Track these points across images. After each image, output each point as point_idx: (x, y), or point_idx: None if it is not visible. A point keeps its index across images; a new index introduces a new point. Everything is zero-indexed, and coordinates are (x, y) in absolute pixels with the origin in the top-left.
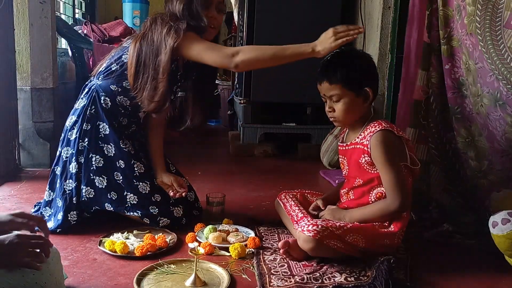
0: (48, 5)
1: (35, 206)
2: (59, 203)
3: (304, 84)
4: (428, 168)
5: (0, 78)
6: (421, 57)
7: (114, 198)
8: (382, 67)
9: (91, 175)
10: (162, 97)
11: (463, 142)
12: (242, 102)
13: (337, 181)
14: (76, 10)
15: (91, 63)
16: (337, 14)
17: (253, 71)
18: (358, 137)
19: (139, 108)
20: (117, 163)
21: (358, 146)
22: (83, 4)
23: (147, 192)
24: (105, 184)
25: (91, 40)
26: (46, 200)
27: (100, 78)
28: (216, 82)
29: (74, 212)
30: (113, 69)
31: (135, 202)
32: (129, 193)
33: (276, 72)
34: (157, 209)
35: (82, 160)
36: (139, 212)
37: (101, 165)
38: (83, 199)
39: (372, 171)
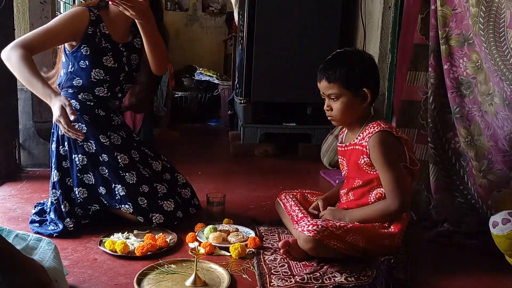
0: (49, 5)
1: (35, 206)
2: (53, 215)
3: (304, 84)
4: (428, 168)
5: (0, 78)
6: (410, 59)
7: (104, 193)
8: (382, 67)
9: (79, 174)
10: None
11: (462, 141)
12: (242, 102)
13: (337, 181)
14: None
15: None
16: (338, 14)
17: (253, 71)
18: (357, 138)
19: (106, 100)
20: (100, 157)
21: (357, 147)
22: None
23: (134, 182)
24: (93, 180)
25: None
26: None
27: (61, 90)
28: (216, 81)
29: (68, 219)
30: (62, 75)
31: (124, 193)
32: (117, 185)
33: (277, 72)
34: (146, 201)
35: (68, 165)
36: (130, 204)
37: (85, 162)
38: (78, 201)
39: (371, 172)
